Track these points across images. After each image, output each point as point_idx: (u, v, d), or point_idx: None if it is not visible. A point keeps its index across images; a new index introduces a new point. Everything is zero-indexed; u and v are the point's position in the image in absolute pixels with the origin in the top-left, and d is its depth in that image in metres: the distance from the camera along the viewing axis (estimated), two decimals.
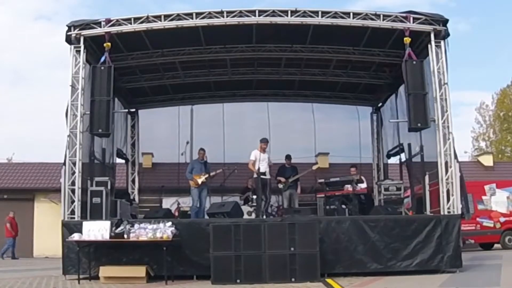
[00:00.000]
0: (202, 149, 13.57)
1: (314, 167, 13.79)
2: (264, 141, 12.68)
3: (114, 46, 11.24)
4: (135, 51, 12.87)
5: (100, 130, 10.82)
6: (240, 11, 10.94)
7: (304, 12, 10.98)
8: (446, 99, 10.80)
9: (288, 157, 13.77)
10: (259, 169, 12.00)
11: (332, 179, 13.49)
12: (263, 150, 12.59)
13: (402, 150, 14.51)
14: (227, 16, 10.93)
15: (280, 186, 13.30)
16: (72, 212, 10.40)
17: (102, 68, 10.82)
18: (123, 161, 16.25)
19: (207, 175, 13.05)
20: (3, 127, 53.37)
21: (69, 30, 10.90)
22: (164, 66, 14.09)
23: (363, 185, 13.47)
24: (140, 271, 9.59)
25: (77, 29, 10.89)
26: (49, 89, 62.64)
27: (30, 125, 57.62)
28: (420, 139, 12.30)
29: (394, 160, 15.80)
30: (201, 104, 16.41)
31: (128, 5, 64.12)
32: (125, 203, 12.81)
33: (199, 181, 12.96)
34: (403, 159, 14.52)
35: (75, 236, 9.64)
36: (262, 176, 12.03)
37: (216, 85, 15.46)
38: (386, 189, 13.26)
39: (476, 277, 9.73)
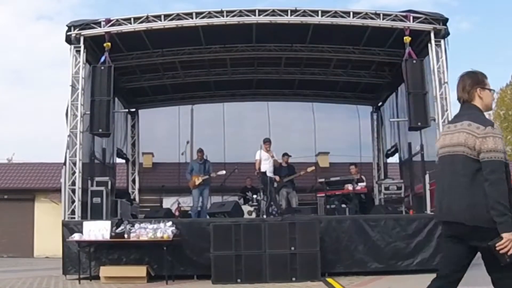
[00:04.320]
0: (200, 149, 13.54)
1: (309, 169, 13.61)
2: (266, 141, 12.59)
3: (114, 46, 11.24)
4: (135, 51, 12.88)
5: (100, 130, 10.83)
6: (240, 11, 10.94)
7: (304, 11, 10.99)
8: (446, 98, 10.79)
9: (285, 155, 13.50)
10: (259, 169, 12.00)
11: (332, 179, 13.41)
12: (266, 150, 12.52)
13: (397, 150, 14.52)
14: (227, 16, 10.93)
15: (274, 184, 13.24)
16: (73, 212, 10.42)
17: (102, 68, 10.83)
18: (124, 161, 16.26)
19: (205, 177, 13.00)
20: (3, 127, 53.35)
21: (69, 30, 10.91)
22: (164, 66, 14.10)
23: (363, 184, 13.44)
24: (140, 271, 9.57)
25: (77, 29, 10.90)
26: (49, 89, 62.60)
27: (30, 125, 57.61)
28: (421, 138, 12.30)
29: (394, 159, 15.82)
30: (201, 104, 16.44)
31: (129, 4, 64.16)
32: (126, 203, 12.81)
33: (197, 182, 12.97)
34: (401, 158, 14.53)
35: (76, 236, 9.63)
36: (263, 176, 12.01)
37: (216, 84, 15.46)
38: (387, 188, 13.26)
39: (477, 276, 9.63)
